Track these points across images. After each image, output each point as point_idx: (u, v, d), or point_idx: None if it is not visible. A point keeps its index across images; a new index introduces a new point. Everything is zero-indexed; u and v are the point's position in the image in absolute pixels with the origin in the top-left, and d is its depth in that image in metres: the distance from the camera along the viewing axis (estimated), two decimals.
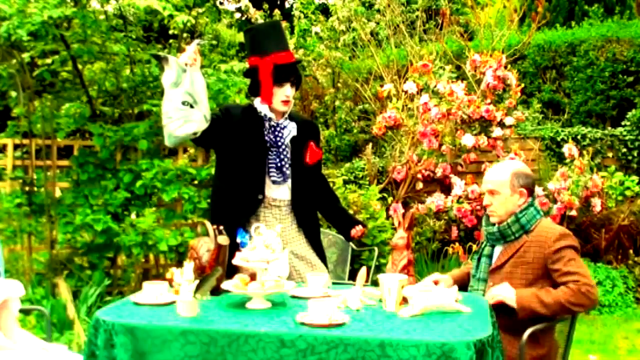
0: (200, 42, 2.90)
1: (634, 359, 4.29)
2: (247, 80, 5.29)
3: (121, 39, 5.22)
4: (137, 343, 2.17)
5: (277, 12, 7.97)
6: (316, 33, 7.57)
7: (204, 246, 2.64)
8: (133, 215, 4.88)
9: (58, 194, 5.05)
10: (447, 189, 5.71)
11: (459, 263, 5.24)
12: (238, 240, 2.55)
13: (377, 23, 7.15)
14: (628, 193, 5.77)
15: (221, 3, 12.73)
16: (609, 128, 7.01)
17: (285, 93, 2.98)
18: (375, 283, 2.52)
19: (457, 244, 5.40)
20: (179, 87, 2.76)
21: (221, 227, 2.63)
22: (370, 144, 6.33)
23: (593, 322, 5.00)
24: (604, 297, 5.29)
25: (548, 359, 2.68)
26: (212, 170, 4.98)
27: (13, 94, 5.06)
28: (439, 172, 5.74)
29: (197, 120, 2.82)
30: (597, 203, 5.45)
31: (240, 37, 10.48)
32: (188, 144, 5.40)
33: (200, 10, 6.00)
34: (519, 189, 2.78)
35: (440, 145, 5.37)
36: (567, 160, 5.67)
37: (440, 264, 5.32)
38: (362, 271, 2.56)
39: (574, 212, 5.34)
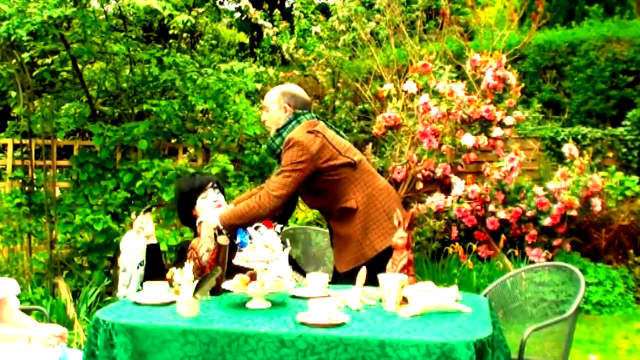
0: (150, 206, 3.12)
1: (634, 359, 4.29)
2: (247, 80, 5.32)
3: (121, 38, 5.23)
4: (137, 343, 2.17)
5: (277, 12, 7.96)
6: (316, 33, 7.56)
7: (204, 246, 2.64)
8: (133, 215, 4.87)
9: (58, 194, 5.05)
10: (447, 189, 5.70)
11: (459, 263, 5.24)
12: (238, 240, 2.55)
13: (377, 23, 7.13)
14: (628, 193, 5.77)
15: (221, 3, 12.73)
16: (609, 128, 7.01)
17: (212, 200, 3.07)
18: (375, 283, 2.52)
19: (457, 244, 5.40)
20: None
21: (221, 227, 2.63)
22: (370, 144, 6.33)
23: (593, 322, 5.00)
24: (604, 297, 5.28)
25: (350, 237, 3.06)
26: (212, 170, 4.98)
27: (13, 94, 5.06)
28: (439, 172, 5.74)
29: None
30: (597, 203, 5.44)
31: (240, 37, 10.48)
32: (188, 144, 5.41)
33: (200, 10, 6.01)
34: (284, 105, 3.11)
35: (440, 145, 5.37)
36: (567, 160, 5.67)
37: (440, 263, 5.32)
38: (362, 271, 2.56)
39: (574, 212, 5.34)
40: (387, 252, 2.97)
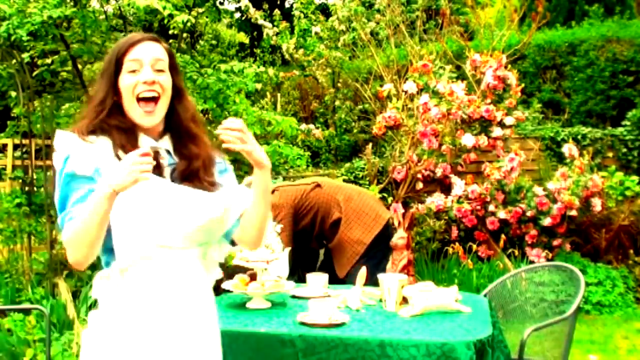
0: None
1: (634, 359, 4.28)
2: (247, 80, 5.32)
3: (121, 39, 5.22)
4: None
5: (277, 12, 7.97)
6: (316, 33, 7.56)
7: None
8: None
9: None
10: (447, 189, 5.70)
11: (459, 263, 5.24)
12: None
13: (377, 23, 7.14)
14: (628, 193, 5.77)
15: (221, 3, 12.73)
16: (609, 128, 7.01)
17: None
18: (375, 283, 2.52)
19: (457, 244, 5.40)
20: None
21: None
22: (370, 144, 6.33)
23: (593, 322, 5.00)
24: (604, 297, 5.28)
25: (340, 241, 3.36)
26: None
27: (13, 94, 5.06)
28: (439, 172, 5.74)
29: None
30: (597, 203, 5.44)
31: (240, 37, 10.47)
32: None
33: (200, 10, 6.00)
34: None
35: (440, 145, 5.37)
36: (567, 160, 5.67)
37: (440, 263, 5.32)
38: (362, 271, 2.56)
39: (574, 212, 5.33)
40: (374, 244, 3.33)
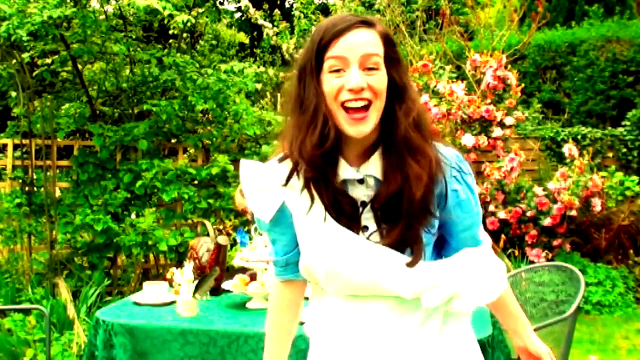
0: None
1: (634, 359, 4.29)
2: (247, 80, 5.32)
3: (121, 39, 5.23)
4: (137, 343, 2.17)
5: (277, 12, 7.97)
6: None
7: (204, 246, 2.64)
8: (133, 215, 4.88)
9: (58, 194, 5.06)
10: None
11: None
12: (238, 239, 2.55)
13: None
14: (628, 193, 5.77)
15: (221, 3, 12.73)
16: (609, 128, 7.01)
17: None
18: None
19: None
20: None
21: (221, 227, 2.62)
22: None
23: (593, 322, 5.00)
24: (604, 297, 5.28)
25: None
26: (212, 170, 4.98)
27: (13, 94, 5.06)
28: None
29: None
30: (597, 203, 5.44)
31: (240, 37, 10.47)
32: (188, 144, 5.41)
33: (200, 10, 6.00)
34: None
35: None
36: (567, 160, 5.67)
37: None
38: None
39: (574, 212, 5.33)
40: None
